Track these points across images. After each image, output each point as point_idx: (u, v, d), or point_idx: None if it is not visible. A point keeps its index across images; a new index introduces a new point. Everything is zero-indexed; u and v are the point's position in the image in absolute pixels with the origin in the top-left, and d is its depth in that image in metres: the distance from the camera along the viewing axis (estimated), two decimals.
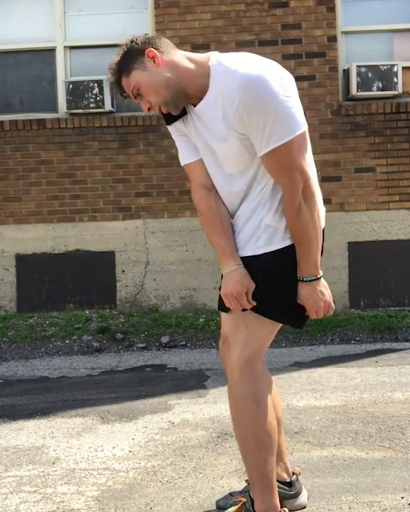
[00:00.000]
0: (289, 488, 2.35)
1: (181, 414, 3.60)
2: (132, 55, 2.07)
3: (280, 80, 1.98)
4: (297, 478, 2.39)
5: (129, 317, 5.98)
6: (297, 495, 2.37)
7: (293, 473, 2.39)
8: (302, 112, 2.10)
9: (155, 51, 2.06)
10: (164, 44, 2.12)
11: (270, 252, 2.08)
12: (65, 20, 6.50)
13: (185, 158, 2.20)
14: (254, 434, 2.12)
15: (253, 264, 2.11)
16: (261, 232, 2.08)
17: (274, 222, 2.07)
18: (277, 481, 2.27)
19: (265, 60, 2.05)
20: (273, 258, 2.09)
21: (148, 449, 3.10)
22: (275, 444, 2.17)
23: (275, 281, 2.11)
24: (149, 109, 2.11)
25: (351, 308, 6.25)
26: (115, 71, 2.10)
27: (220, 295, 2.22)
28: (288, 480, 2.36)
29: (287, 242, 2.08)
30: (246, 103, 1.94)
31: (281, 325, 2.24)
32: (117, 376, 4.64)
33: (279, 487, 2.27)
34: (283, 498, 2.29)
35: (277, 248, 2.08)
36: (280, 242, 2.08)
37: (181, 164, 2.22)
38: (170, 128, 2.21)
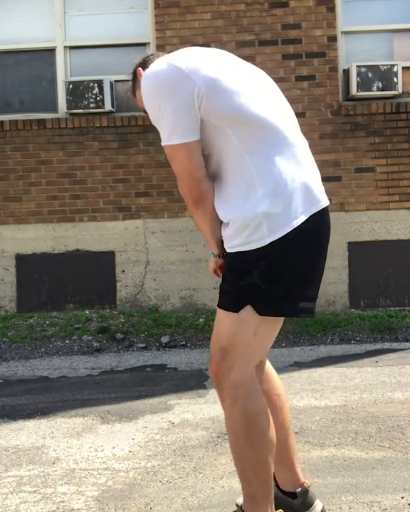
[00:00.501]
0: (294, 500, 2.20)
1: (181, 414, 3.60)
2: (134, 77, 2.22)
3: (186, 81, 1.91)
4: (307, 490, 2.22)
5: (129, 317, 5.99)
6: (306, 507, 2.20)
7: (303, 485, 2.22)
8: (190, 124, 1.93)
9: (142, 70, 2.14)
10: (153, 60, 2.12)
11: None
12: (65, 20, 6.50)
13: (194, 132, 1.96)
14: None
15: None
16: None
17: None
18: (283, 491, 2.20)
19: (177, 59, 1.97)
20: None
21: (148, 449, 3.10)
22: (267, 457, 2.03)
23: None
24: None
25: (351, 308, 6.25)
26: (131, 94, 2.25)
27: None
28: (293, 491, 2.20)
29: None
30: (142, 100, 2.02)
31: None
32: (117, 376, 4.64)
33: (282, 498, 2.19)
34: (290, 510, 2.18)
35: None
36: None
37: (187, 140, 1.95)
38: None
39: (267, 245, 1.94)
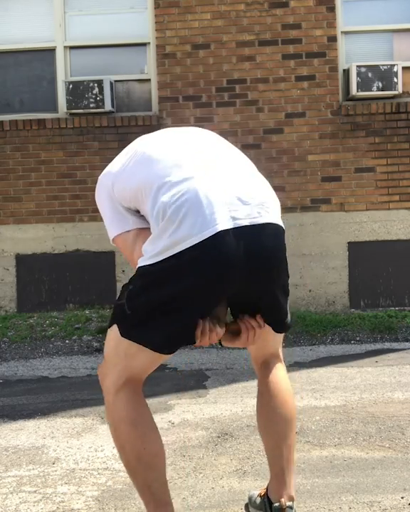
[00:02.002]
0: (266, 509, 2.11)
1: (181, 414, 3.60)
2: None
3: (103, 182, 2.11)
4: (283, 509, 2.05)
5: None
6: None
7: (280, 500, 2.07)
8: (121, 216, 2.07)
9: None
10: None
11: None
12: (65, 20, 6.50)
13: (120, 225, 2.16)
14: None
15: None
16: None
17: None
18: (268, 496, 2.12)
19: (118, 159, 2.12)
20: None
21: None
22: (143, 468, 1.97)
23: None
24: None
25: (351, 308, 6.25)
26: None
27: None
28: (275, 504, 2.07)
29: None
30: None
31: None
32: None
33: (261, 503, 2.16)
34: None
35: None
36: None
37: (116, 234, 2.14)
38: None
39: (144, 266, 1.94)
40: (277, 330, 2.13)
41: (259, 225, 1.88)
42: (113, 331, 2.04)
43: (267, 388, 2.16)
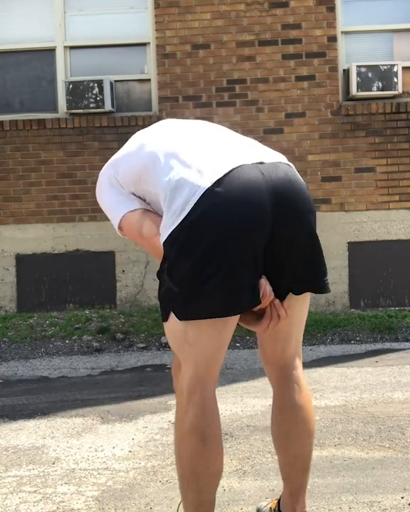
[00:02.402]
0: None
1: None
2: None
3: (106, 171, 2.10)
4: None
5: (129, 317, 5.98)
6: None
7: None
8: (126, 198, 2.05)
9: None
10: None
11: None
12: (65, 20, 6.50)
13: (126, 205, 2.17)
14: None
15: None
16: None
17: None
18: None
19: (120, 151, 2.10)
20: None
21: (148, 449, 3.10)
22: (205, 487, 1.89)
23: None
24: None
25: (351, 308, 6.25)
26: None
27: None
28: None
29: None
30: None
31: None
32: (117, 376, 4.63)
33: None
34: None
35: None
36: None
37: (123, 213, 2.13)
38: None
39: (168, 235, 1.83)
40: (320, 288, 1.94)
41: (276, 163, 1.85)
42: (171, 323, 1.89)
43: (291, 404, 2.03)
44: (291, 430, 2.00)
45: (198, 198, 1.76)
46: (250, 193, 1.77)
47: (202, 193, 1.76)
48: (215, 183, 1.77)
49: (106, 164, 2.13)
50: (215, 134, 2.00)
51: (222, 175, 1.78)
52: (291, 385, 2.06)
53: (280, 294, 1.90)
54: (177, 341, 1.91)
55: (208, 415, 1.93)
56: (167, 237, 1.83)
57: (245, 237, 1.77)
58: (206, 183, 1.77)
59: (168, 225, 1.83)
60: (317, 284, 1.94)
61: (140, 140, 2.04)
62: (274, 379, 2.13)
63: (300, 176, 1.95)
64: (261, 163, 1.84)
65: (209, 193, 1.76)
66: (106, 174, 2.10)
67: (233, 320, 1.87)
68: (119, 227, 2.07)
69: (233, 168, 1.78)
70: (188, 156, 1.85)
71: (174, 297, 1.84)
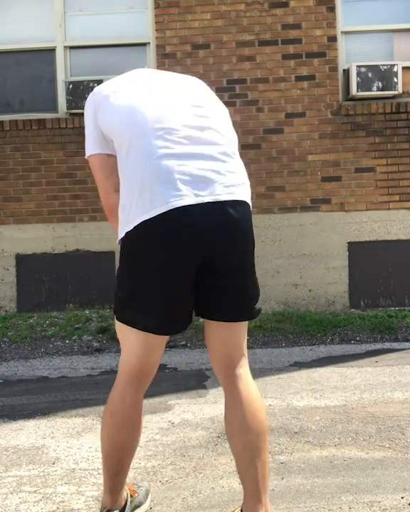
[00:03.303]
0: None
1: (181, 414, 3.60)
2: None
3: (92, 99, 2.11)
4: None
5: None
6: None
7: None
8: (94, 136, 2.09)
9: None
10: None
11: None
12: (65, 20, 6.50)
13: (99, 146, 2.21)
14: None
15: None
16: None
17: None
18: None
19: (113, 80, 2.15)
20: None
21: (148, 449, 3.10)
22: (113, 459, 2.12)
23: None
24: None
25: (351, 308, 6.25)
26: None
27: None
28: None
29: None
30: None
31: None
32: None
33: None
34: None
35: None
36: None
37: (92, 152, 2.19)
38: None
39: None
40: (245, 315, 2.07)
41: (220, 202, 1.90)
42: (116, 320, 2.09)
43: (238, 398, 2.08)
44: (242, 425, 2.03)
45: (146, 218, 1.88)
46: (189, 230, 1.87)
47: (150, 217, 1.87)
48: (164, 213, 1.86)
49: (95, 90, 2.12)
50: (193, 126, 1.98)
51: (171, 208, 1.86)
52: (238, 382, 2.11)
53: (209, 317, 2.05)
54: (119, 337, 2.12)
55: (123, 399, 2.09)
56: (121, 240, 1.98)
57: (179, 270, 1.91)
58: (155, 210, 1.87)
59: (123, 222, 1.94)
60: (245, 312, 2.08)
61: (125, 94, 2.04)
62: (221, 376, 2.22)
63: (244, 207, 1.98)
64: (201, 203, 1.88)
65: (156, 220, 1.87)
66: (92, 101, 2.10)
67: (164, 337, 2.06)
68: (89, 159, 2.12)
69: (182, 206, 1.86)
70: (150, 166, 1.91)
71: (115, 297, 2.04)
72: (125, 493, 2.22)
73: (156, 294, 1.93)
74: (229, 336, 2.10)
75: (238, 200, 1.93)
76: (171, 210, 1.85)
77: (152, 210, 1.86)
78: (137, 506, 2.31)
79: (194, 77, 2.25)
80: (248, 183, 2.04)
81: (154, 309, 1.96)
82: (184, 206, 1.85)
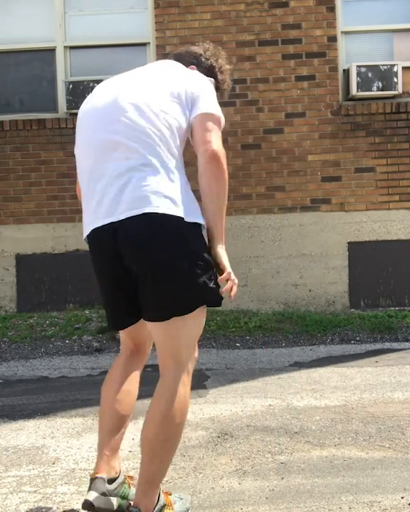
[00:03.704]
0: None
1: None
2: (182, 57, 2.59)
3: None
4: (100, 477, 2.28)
5: None
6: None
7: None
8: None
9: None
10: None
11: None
12: (65, 20, 6.50)
13: None
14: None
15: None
16: None
17: None
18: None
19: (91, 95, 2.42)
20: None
21: None
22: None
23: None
24: None
25: (351, 308, 6.25)
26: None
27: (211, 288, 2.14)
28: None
29: None
30: None
31: None
32: None
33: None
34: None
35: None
36: None
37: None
38: None
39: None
40: (145, 315, 2.18)
41: (116, 222, 2.11)
42: None
43: (153, 400, 2.19)
44: (149, 414, 2.19)
45: (85, 234, 2.25)
46: (101, 247, 2.20)
47: (86, 234, 2.25)
48: (89, 233, 2.21)
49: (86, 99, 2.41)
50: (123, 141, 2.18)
51: (92, 229, 2.19)
52: (159, 384, 2.21)
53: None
54: None
55: (114, 365, 2.48)
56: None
57: (105, 276, 2.26)
58: (86, 228, 2.23)
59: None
60: (147, 313, 2.18)
61: (81, 121, 2.46)
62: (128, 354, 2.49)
63: (152, 219, 2.09)
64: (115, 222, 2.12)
65: (88, 236, 2.24)
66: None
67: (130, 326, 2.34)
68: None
69: (95, 228, 2.17)
70: (88, 188, 2.30)
71: None
72: (118, 468, 2.33)
73: (102, 293, 2.32)
74: (157, 336, 2.20)
75: (132, 216, 2.08)
76: (89, 233, 2.21)
77: (87, 226, 2.24)
78: (124, 497, 2.31)
79: (168, 65, 2.40)
80: (164, 189, 2.09)
81: (105, 306, 2.37)
82: (94, 229, 2.17)
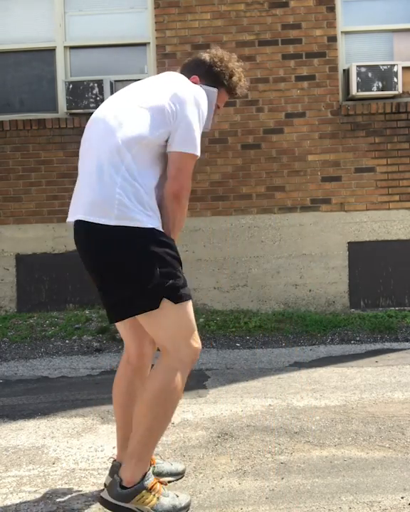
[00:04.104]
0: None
1: (181, 414, 3.60)
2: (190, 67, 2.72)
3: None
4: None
5: None
6: None
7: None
8: None
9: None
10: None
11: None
12: (65, 20, 6.50)
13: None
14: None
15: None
16: None
17: None
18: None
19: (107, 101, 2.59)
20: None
21: None
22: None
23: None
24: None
25: (351, 308, 6.25)
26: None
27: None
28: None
29: None
30: None
31: None
32: None
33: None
34: None
35: None
36: None
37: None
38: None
39: None
40: (118, 315, 2.39)
41: (74, 221, 2.50)
42: None
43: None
44: (139, 392, 2.46)
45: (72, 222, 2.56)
46: (79, 242, 2.63)
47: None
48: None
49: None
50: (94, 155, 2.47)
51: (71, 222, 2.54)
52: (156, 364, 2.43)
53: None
54: None
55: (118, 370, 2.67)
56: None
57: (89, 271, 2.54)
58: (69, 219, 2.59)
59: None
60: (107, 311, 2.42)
61: (86, 132, 2.57)
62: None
63: (88, 228, 2.43)
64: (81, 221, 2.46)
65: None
66: None
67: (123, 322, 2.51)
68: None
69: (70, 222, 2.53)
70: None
71: None
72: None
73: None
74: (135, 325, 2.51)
75: (81, 220, 2.42)
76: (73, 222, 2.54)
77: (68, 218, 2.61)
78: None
79: (156, 78, 2.58)
80: (102, 196, 2.33)
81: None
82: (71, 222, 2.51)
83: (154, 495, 2.32)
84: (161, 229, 2.32)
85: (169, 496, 2.38)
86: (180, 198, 2.33)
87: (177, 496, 2.40)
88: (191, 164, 2.35)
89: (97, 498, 2.46)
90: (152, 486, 2.33)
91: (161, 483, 2.40)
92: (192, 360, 2.37)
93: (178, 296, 2.31)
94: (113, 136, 2.31)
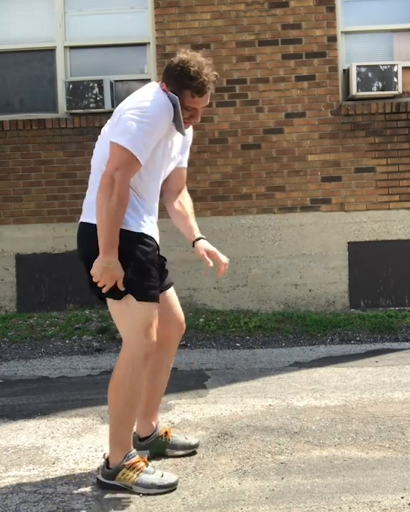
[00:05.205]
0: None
1: (181, 414, 3.60)
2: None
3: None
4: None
5: None
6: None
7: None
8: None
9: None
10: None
11: None
12: (65, 20, 6.50)
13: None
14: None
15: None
16: None
17: None
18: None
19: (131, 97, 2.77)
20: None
21: None
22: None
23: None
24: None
25: (351, 308, 6.25)
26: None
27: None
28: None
29: None
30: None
31: None
32: None
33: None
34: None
35: None
36: None
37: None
38: (174, 135, 2.72)
39: None
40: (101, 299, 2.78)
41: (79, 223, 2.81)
42: None
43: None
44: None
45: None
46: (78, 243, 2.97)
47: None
48: None
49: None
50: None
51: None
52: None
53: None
54: None
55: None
56: None
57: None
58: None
59: None
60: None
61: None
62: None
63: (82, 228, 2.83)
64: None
65: None
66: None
67: None
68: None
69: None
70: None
71: None
72: (150, 428, 2.92)
73: None
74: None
75: (80, 222, 2.79)
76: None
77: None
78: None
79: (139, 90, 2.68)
80: (89, 199, 2.73)
81: None
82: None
83: (135, 472, 2.57)
84: (141, 230, 2.77)
85: (153, 473, 2.61)
86: (103, 184, 2.48)
87: (162, 476, 2.61)
88: (119, 155, 2.47)
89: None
90: (132, 465, 2.59)
91: (144, 462, 2.64)
92: (145, 353, 2.58)
93: (142, 294, 2.59)
94: (103, 145, 2.62)
